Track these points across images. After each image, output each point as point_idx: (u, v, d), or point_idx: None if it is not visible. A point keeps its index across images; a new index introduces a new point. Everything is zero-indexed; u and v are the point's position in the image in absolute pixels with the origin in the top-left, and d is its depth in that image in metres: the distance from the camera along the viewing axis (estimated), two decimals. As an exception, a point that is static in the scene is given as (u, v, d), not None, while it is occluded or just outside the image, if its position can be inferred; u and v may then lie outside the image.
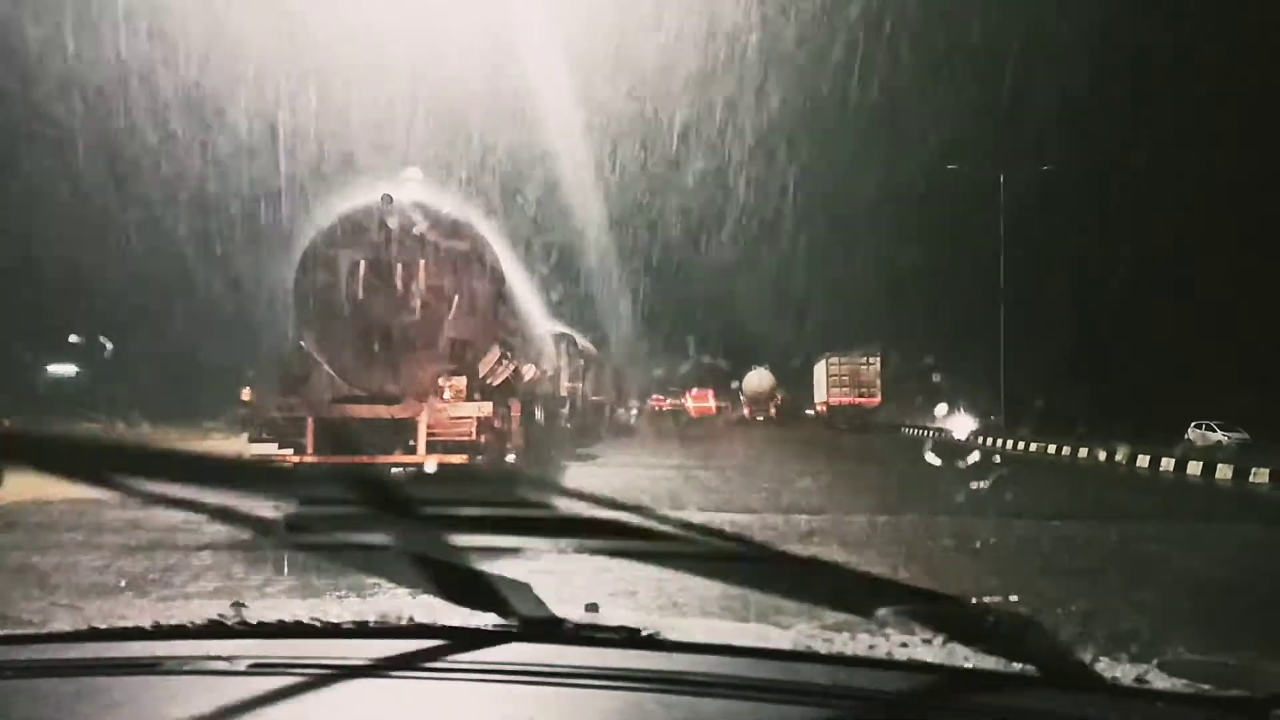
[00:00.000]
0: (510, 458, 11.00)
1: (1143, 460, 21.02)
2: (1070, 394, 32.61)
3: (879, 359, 39.05)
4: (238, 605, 1.63)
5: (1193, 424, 30.02)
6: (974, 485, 14.34)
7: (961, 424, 34.10)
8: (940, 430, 33.98)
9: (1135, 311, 34.78)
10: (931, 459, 17.91)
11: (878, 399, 39.05)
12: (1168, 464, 20.10)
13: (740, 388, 50.68)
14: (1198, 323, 32.38)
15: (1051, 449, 25.68)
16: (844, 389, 39.25)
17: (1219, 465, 18.90)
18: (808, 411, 45.75)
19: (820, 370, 41.92)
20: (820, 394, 42.46)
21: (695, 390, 56.91)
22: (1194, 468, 19.37)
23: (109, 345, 26.65)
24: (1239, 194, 32.18)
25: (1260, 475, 17.20)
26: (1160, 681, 1.34)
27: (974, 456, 20.33)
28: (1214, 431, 28.85)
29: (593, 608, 1.57)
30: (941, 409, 35.59)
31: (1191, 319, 32.58)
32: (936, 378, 36.21)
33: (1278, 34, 30.44)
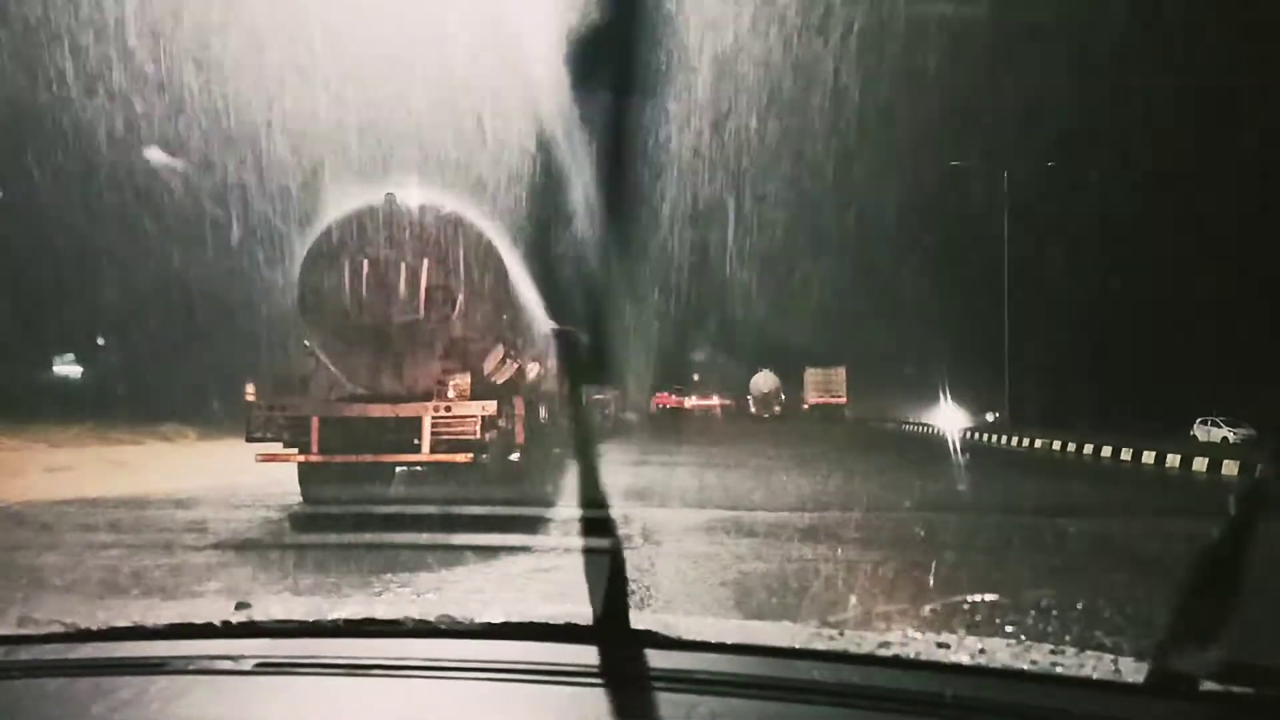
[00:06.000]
0: (514, 456, 10.99)
1: (1148, 456, 20.98)
2: (1076, 390, 32.56)
3: (844, 368, 52.46)
4: (243, 605, 1.63)
5: (1199, 420, 29.98)
6: (972, 482, 14.33)
7: (953, 419, 34.18)
8: (926, 425, 34.15)
9: (1141, 306, 34.69)
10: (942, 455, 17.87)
11: (844, 399, 52.46)
12: (1174, 460, 20.06)
13: (747, 387, 56.71)
14: (1204, 317, 32.30)
15: (1057, 446, 25.64)
16: (819, 392, 52.83)
17: (1225, 461, 18.87)
18: (804, 408, 54.53)
19: (806, 376, 54.55)
20: (806, 394, 54.90)
21: (698, 389, 57.73)
22: (1199, 464, 19.33)
23: (101, 341, 26.72)
24: (1247, 186, 32.07)
25: (1267, 471, 17.15)
26: (1173, 678, 1.33)
27: (965, 455, 20.37)
28: (1220, 427, 28.80)
29: (595, 606, 1.57)
30: (933, 403, 36.79)
31: (1198, 314, 32.51)
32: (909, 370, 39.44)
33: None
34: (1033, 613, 4.70)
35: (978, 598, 5.19)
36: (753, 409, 54.87)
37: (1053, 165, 33.67)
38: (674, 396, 60.70)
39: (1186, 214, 33.28)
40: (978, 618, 4.74)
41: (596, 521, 1.36)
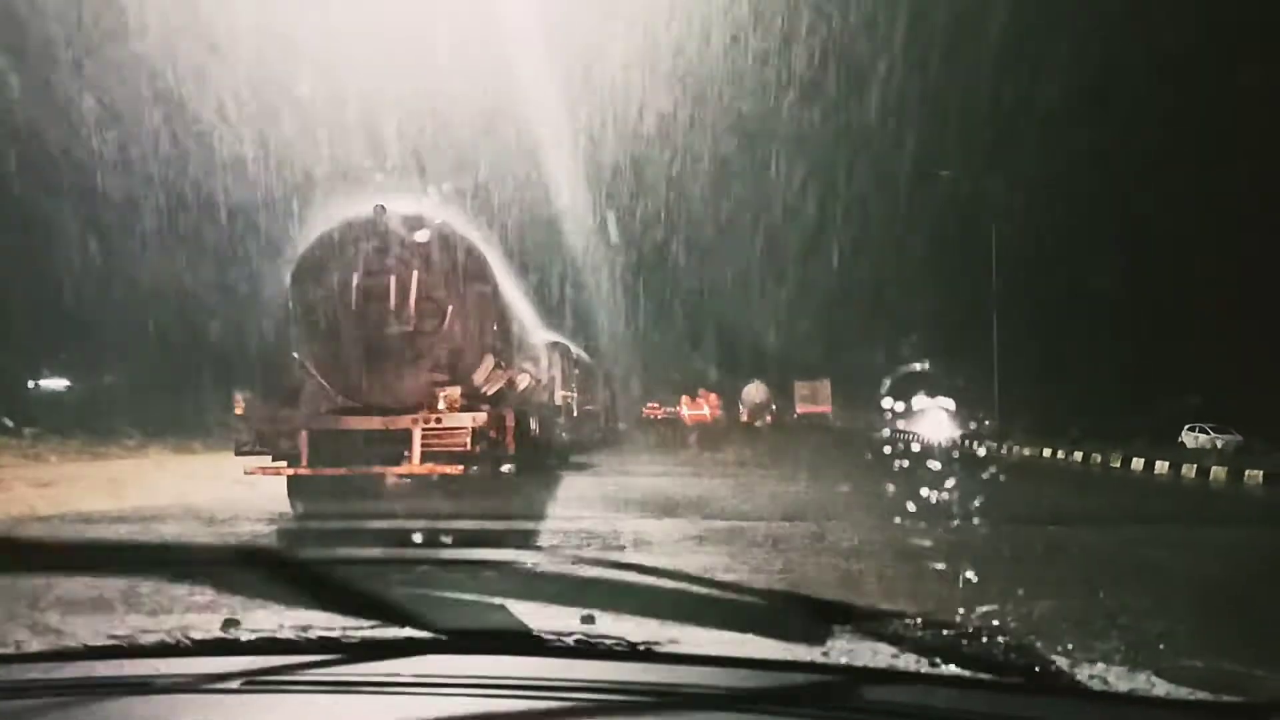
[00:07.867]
0: (505, 468, 10.96)
1: (1137, 463, 21.08)
2: (1066, 397, 32.73)
3: (829, 381, 57.96)
4: (230, 622, 1.61)
5: (1186, 426, 30.17)
6: (962, 492, 14.34)
7: (938, 426, 34.13)
8: (910, 434, 34.21)
9: (1129, 313, 34.92)
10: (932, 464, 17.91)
11: (829, 409, 57.69)
12: (1162, 466, 20.16)
13: (739, 398, 59.17)
14: (1192, 324, 32.52)
15: (1046, 452, 25.72)
16: (807, 403, 58.10)
17: (1213, 468, 18.98)
18: (793, 417, 58.30)
19: (795, 388, 59.58)
20: (795, 405, 59.84)
21: (690, 399, 58.14)
22: (1188, 470, 19.44)
23: (88, 356, 26.57)
24: (1235, 193, 32.35)
25: (1254, 477, 17.27)
26: (1157, 688, 1.33)
27: (954, 464, 20.41)
28: (1207, 433, 28.98)
29: (589, 619, 1.56)
30: (917, 409, 36.87)
31: (1186, 320, 32.72)
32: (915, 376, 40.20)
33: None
34: (1022, 623, 4.71)
35: (968, 610, 5.19)
36: (744, 418, 56.80)
37: (1039, 176, 33.93)
38: (666, 406, 60.93)
39: (1177, 221, 33.53)
40: (968, 629, 4.73)
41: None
